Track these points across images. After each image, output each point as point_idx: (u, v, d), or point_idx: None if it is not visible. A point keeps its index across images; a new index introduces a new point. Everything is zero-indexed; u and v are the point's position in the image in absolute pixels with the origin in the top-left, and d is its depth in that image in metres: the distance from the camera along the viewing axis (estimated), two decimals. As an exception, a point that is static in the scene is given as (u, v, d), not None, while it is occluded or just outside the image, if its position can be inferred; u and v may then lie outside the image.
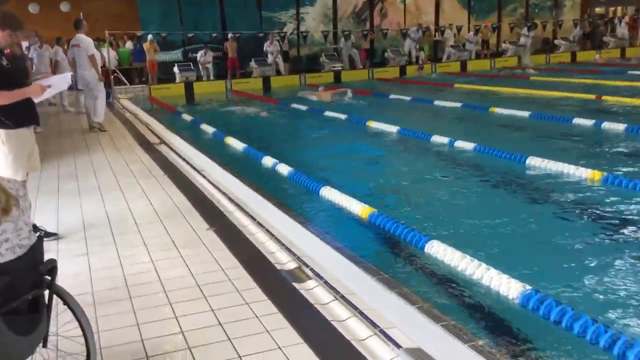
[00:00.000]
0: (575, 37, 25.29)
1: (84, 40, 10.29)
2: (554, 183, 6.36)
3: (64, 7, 21.99)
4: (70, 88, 11.78)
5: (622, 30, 25.46)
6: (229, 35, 20.34)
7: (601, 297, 3.79)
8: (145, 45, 19.11)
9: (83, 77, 10.51)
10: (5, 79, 4.25)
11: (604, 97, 12.07)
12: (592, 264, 4.28)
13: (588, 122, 9.36)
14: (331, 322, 3.14)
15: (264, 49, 20.55)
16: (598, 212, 5.42)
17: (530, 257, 4.50)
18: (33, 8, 21.67)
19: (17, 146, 4.44)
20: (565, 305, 3.29)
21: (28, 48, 15.14)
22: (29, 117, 4.52)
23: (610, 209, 5.46)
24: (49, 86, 4.59)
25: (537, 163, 6.92)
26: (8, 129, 4.36)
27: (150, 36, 19.19)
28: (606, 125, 9.06)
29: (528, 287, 3.51)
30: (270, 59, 20.46)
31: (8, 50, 4.68)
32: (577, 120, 9.56)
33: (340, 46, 22.25)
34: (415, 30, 23.01)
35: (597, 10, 30.43)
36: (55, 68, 13.91)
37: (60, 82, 4.92)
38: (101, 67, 12.44)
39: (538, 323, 3.34)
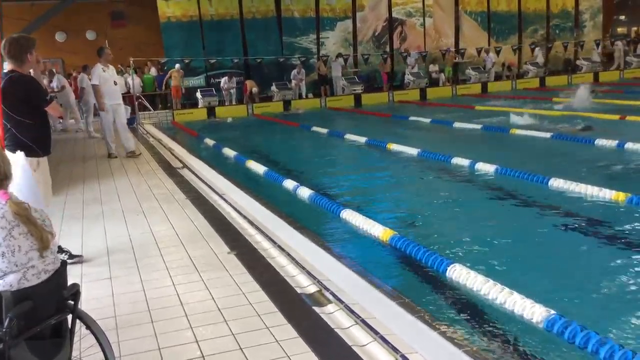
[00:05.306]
0: (598, 58, 25.10)
1: (93, 69, 10.47)
2: (577, 205, 6.27)
3: (90, 35, 22.55)
4: (96, 114, 12.05)
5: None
6: (247, 82, 20.69)
7: (627, 321, 3.71)
8: (173, 73, 19.49)
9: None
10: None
11: (627, 117, 11.93)
12: (617, 287, 4.20)
13: (611, 143, 9.25)
14: (352, 346, 3.13)
15: (291, 77, 20.85)
16: (623, 234, 5.32)
17: (553, 279, 4.43)
18: (60, 36, 22.26)
19: (44, 173, 4.58)
20: (590, 330, 3.23)
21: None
22: (49, 146, 4.71)
23: (636, 231, 5.36)
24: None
25: (559, 184, 6.83)
26: (38, 157, 4.50)
27: (177, 65, 19.64)
28: (629, 145, 8.94)
29: (552, 311, 3.46)
30: (293, 84, 20.78)
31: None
32: (600, 141, 9.45)
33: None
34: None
35: (619, 30, 30.22)
36: (80, 95, 14.31)
37: None
38: (125, 93, 12.68)
39: (563, 348, 3.28)
